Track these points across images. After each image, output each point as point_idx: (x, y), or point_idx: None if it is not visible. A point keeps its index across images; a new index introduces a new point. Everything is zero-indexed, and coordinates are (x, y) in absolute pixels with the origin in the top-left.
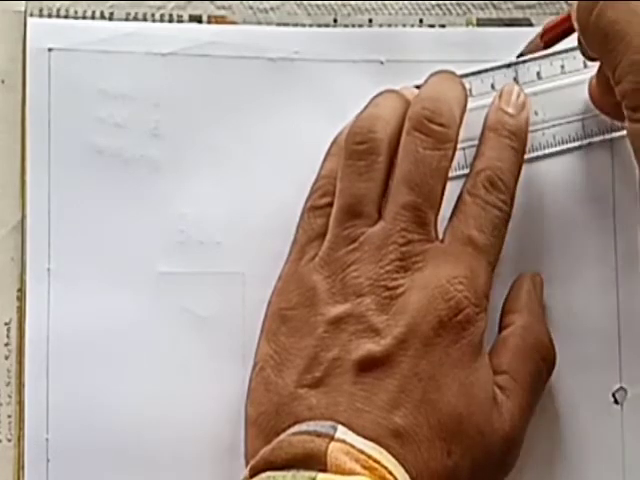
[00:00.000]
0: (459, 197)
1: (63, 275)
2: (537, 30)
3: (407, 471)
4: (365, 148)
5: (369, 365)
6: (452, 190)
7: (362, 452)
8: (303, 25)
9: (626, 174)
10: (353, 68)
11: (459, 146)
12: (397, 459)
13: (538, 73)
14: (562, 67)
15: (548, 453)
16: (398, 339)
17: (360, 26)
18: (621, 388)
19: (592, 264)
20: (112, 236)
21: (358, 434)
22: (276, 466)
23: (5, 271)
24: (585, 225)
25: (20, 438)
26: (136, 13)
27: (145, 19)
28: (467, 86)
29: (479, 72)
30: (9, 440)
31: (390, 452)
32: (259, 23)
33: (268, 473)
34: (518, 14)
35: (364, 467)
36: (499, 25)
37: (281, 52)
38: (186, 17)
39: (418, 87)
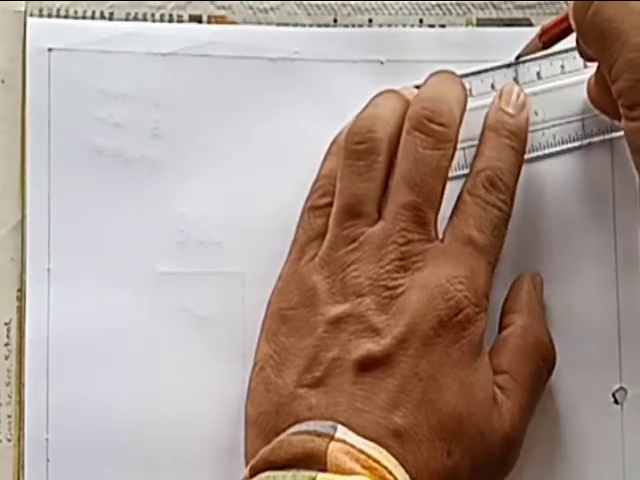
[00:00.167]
0: (459, 197)
1: (63, 275)
2: (537, 30)
3: (407, 471)
4: (365, 148)
5: (369, 365)
6: (452, 190)
7: (362, 452)
8: (303, 25)
9: (626, 174)
10: (353, 68)
11: (459, 146)
12: (397, 459)
13: (538, 73)
14: (562, 67)
15: (548, 453)
16: (398, 339)
17: (360, 26)
18: (621, 388)
19: (592, 264)
20: (112, 236)
21: (358, 434)
22: (276, 466)
23: (5, 271)
24: (585, 225)
25: (20, 438)
26: (136, 13)
27: (145, 19)
28: (467, 86)
29: (479, 72)
30: (9, 440)
31: (390, 452)
32: (259, 23)
33: (268, 473)
34: (518, 14)
35: (364, 467)
36: (499, 25)
37: (281, 52)
38: (186, 17)
39: (418, 87)
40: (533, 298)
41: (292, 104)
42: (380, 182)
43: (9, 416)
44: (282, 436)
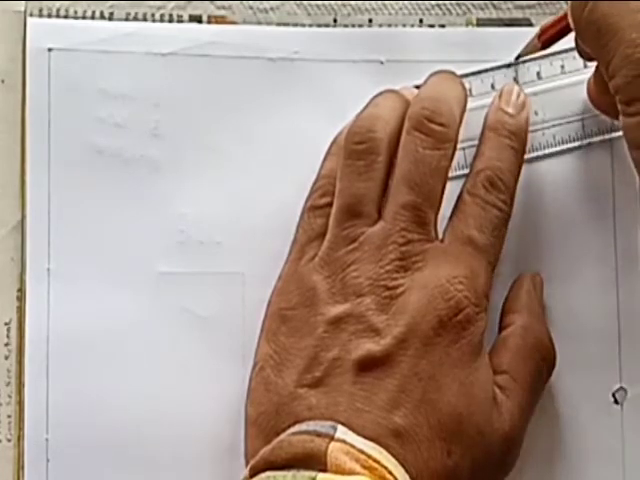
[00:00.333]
0: (459, 197)
1: (63, 275)
2: (537, 30)
3: (407, 471)
4: (365, 148)
5: (369, 365)
6: (452, 190)
7: (362, 452)
8: (303, 25)
9: (626, 174)
10: (353, 68)
11: (459, 146)
12: (397, 459)
13: (538, 73)
14: (562, 67)
15: (548, 453)
16: (398, 339)
17: (360, 26)
18: (621, 388)
19: (592, 264)
20: (112, 236)
21: (358, 434)
22: (276, 466)
23: (5, 271)
24: (585, 225)
25: (20, 438)
26: (136, 13)
27: (145, 19)
28: (467, 86)
29: (479, 72)
30: (9, 440)
31: (390, 452)
32: (259, 23)
33: (268, 473)
34: (518, 14)
35: (364, 467)
36: (499, 25)
37: (281, 52)
38: (186, 17)
39: (418, 87)
40: (533, 298)
41: (292, 104)
42: (380, 182)
43: (9, 416)
44: (282, 436)
